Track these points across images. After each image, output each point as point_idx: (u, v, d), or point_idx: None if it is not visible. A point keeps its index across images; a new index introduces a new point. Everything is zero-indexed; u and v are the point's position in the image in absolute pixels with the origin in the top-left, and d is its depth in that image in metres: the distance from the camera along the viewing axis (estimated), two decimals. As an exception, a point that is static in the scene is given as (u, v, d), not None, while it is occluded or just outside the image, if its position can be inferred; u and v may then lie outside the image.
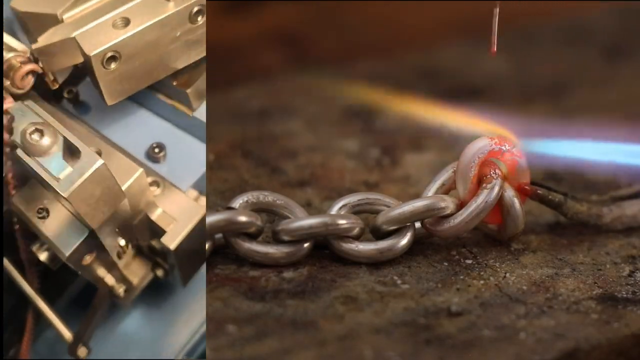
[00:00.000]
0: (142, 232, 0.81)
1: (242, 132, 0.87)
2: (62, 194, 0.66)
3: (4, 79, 0.75)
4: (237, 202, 0.71)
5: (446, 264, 0.72)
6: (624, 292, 0.70)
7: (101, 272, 0.84)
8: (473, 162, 0.70)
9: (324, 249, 0.72)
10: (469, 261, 0.73)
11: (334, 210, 0.72)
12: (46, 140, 0.68)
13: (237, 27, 1.03)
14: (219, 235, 0.71)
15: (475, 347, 0.65)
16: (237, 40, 1.01)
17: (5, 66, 0.74)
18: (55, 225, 0.76)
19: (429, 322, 0.67)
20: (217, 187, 0.80)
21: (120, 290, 0.87)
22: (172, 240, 0.76)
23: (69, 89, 0.84)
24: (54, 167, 0.67)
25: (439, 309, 0.68)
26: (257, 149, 0.85)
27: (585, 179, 0.81)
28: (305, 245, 0.71)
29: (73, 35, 0.74)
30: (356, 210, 0.72)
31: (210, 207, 0.77)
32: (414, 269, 0.72)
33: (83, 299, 0.95)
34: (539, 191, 0.72)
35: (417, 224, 0.72)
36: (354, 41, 1.01)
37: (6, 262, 0.84)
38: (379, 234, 0.72)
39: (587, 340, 0.65)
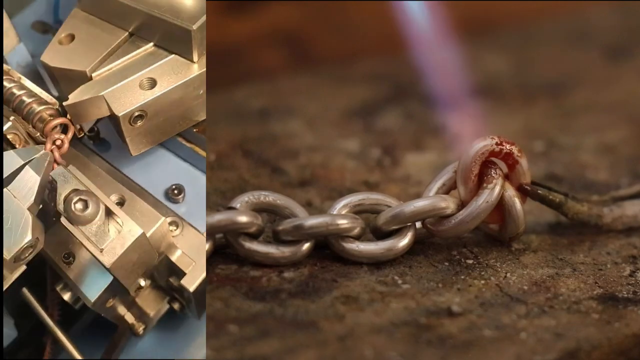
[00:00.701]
0: (162, 272, 0.82)
1: (242, 132, 0.88)
2: (105, 265, 0.69)
3: (34, 130, 0.79)
4: (238, 202, 0.71)
5: (447, 264, 0.72)
6: (624, 292, 0.70)
7: (121, 310, 0.86)
8: (474, 162, 0.70)
9: (324, 249, 0.72)
10: (470, 261, 0.73)
11: (335, 210, 0.72)
12: (89, 211, 0.70)
13: (237, 27, 1.03)
14: (219, 235, 0.71)
15: (476, 347, 0.65)
16: (237, 40, 1.01)
17: (36, 118, 0.78)
18: (80, 271, 0.79)
19: (430, 322, 0.67)
20: (217, 187, 0.80)
21: (140, 329, 0.89)
22: (191, 282, 0.77)
23: (82, 131, 0.86)
24: (97, 237, 0.70)
25: (439, 309, 0.68)
26: (257, 149, 0.85)
27: (586, 178, 0.81)
28: (306, 245, 0.71)
29: (102, 94, 0.78)
30: (357, 210, 0.72)
31: (211, 207, 0.77)
32: (415, 268, 0.72)
33: (96, 326, 0.98)
34: (539, 191, 0.72)
35: (418, 224, 0.72)
36: (354, 41, 1.01)
37: (26, 292, 0.87)
38: (379, 234, 0.72)
39: (588, 340, 0.66)
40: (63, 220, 0.71)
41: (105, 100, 0.78)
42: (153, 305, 0.90)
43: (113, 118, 0.79)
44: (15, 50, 0.88)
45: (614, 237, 0.75)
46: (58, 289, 0.85)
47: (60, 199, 0.71)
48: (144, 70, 0.80)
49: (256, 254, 0.70)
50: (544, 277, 0.71)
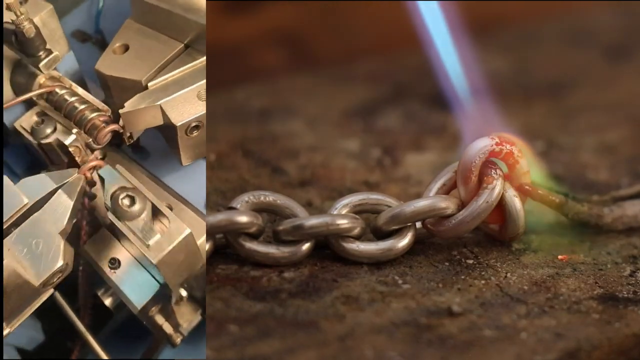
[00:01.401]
0: (201, 282, 0.83)
1: (242, 132, 0.88)
2: (151, 261, 0.70)
3: (87, 135, 0.81)
4: (238, 202, 0.71)
5: (447, 264, 0.72)
6: (625, 292, 0.70)
7: (160, 319, 0.86)
8: (474, 163, 0.70)
9: (325, 249, 0.72)
10: (470, 261, 0.73)
11: (335, 210, 0.72)
12: (136, 207, 0.72)
13: (237, 27, 1.03)
14: (219, 235, 0.71)
15: (476, 347, 0.65)
16: (237, 40, 1.01)
17: (89, 125, 0.80)
18: (126, 277, 0.80)
19: (430, 322, 0.67)
20: (218, 187, 0.80)
21: (178, 339, 0.89)
22: None
23: (131, 139, 0.87)
24: (143, 233, 0.71)
25: (440, 309, 0.68)
26: (257, 149, 0.85)
27: (586, 178, 0.81)
28: (306, 245, 0.71)
29: (159, 103, 0.79)
30: (357, 210, 0.72)
31: (212, 207, 0.77)
32: (415, 268, 0.72)
33: (123, 330, 1.00)
34: (539, 191, 0.72)
35: (418, 224, 0.72)
36: (354, 41, 1.01)
37: (58, 296, 0.86)
38: (380, 234, 0.72)
39: (588, 340, 0.65)
40: (109, 215, 0.72)
41: (162, 110, 0.79)
42: (187, 317, 0.91)
43: (166, 127, 0.80)
44: (65, 58, 0.89)
45: (614, 237, 0.75)
46: (99, 293, 0.86)
47: (108, 195, 0.72)
48: (201, 82, 0.81)
49: (256, 254, 0.70)
50: (544, 277, 0.71)
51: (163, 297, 0.81)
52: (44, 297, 0.75)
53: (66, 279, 0.76)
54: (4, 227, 0.71)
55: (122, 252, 0.81)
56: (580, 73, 0.96)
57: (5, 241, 0.71)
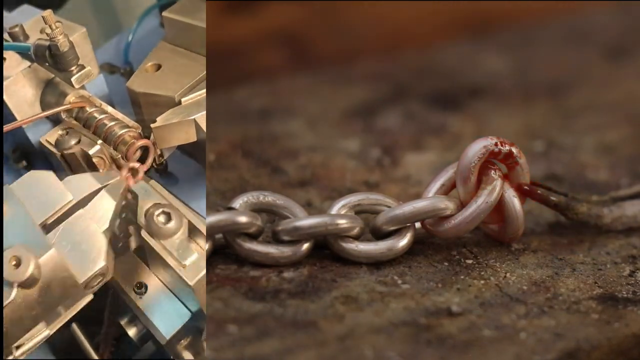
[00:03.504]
0: None
1: (243, 132, 0.87)
2: (188, 283, 0.68)
3: (116, 152, 0.80)
4: (238, 202, 0.71)
5: (447, 264, 0.72)
6: (624, 292, 0.70)
7: (187, 355, 0.82)
8: (473, 163, 0.70)
9: (324, 249, 0.72)
10: (470, 261, 0.73)
11: (334, 210, 0.72)
12: (173, 224, 0.69)
13: (237, 27, 1.03)
14: (219, 235, 0.71)
15: (475, 347, 0.65)
16: (238, 40, 1.01)
17: (118, 140, 0.80)
18: (154, 303, 0.77)
19: (429, 322, 0.67)
20: (217, 187, 0.80)
21: None
22: None
23: (162, 157, 0.86)
24: (179, 252, 0.69)
25: (439, 309, 0.68)
26: (257, 148, 0.85)
27: (586, 178, 0.81)
28: (306, 245, 0.71)
29: (193, 117, 0.78)
30: (356, 211, 0.72)
31: (211, 207, 0.77)
32: (415, 269, 0.72)
33: None
34: (539, 191, 0.72)
35: (418, 224, 0.72)
36: (354, 41, 1.01)
37: (76, 328, 0.84)
38: (379, 234, 0.72)
39: (588, 340, 0.66)
40: (143, 233, 0.70)
41: (196, 124, 0.78)
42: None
43: (199, 144, 0.79)
44: (96, 80, 0.90)
45: (613, 237, 0.75)
46: (122, 322, 0.82)
47: (142, 212, 0.71)
48: None
49: (256, 254, 0.70)
50: (544, 277, 0.71)
51: (193, 330, 0.78)
52: (84, 302, 0.72)
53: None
54: (49, 221, 0.70)
55: (150, 278, 0.78)
56: (580, 73, 0.96)
57: (50, 235, 0.69)
